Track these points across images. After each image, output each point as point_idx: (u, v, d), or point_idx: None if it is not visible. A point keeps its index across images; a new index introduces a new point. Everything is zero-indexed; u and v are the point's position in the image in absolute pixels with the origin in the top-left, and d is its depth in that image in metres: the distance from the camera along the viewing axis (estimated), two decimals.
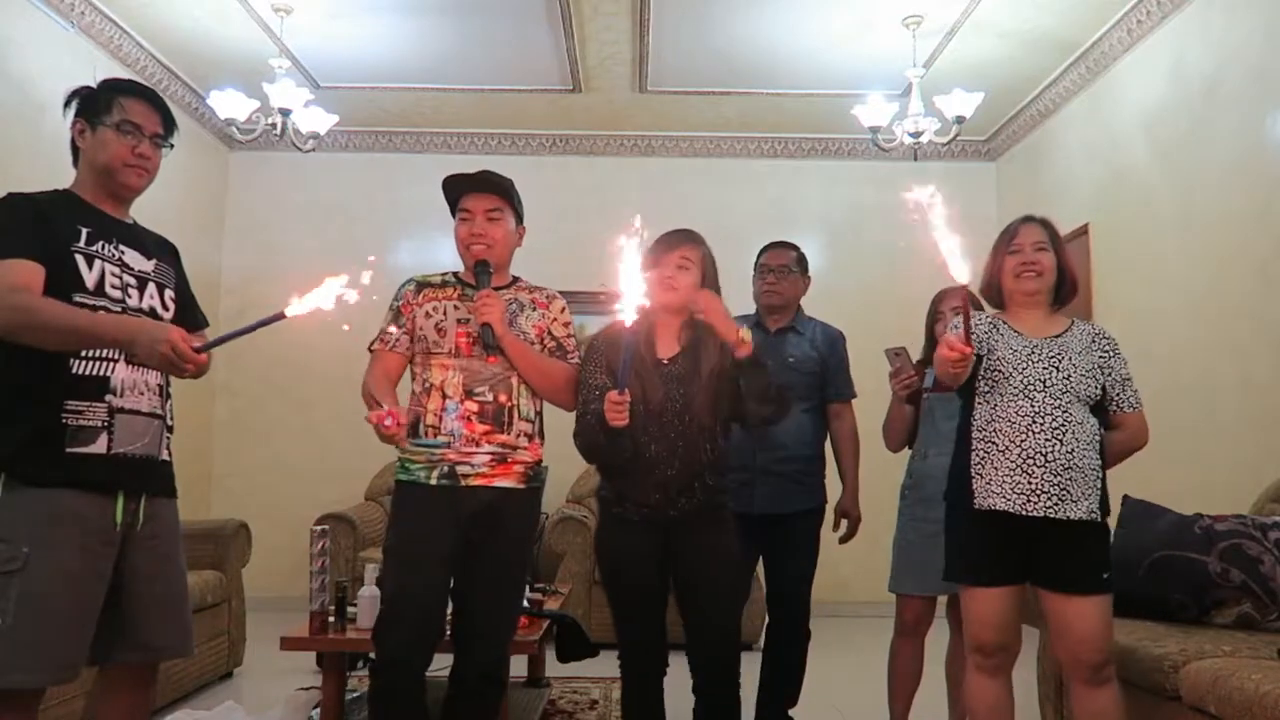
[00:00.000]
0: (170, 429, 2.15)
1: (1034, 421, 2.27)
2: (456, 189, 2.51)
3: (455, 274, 2.56)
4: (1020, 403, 2.29)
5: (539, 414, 2.49)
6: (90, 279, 1.98)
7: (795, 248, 3.30)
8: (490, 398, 2.39)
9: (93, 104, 2.08)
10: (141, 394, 2.03)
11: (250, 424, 6.00)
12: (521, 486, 2.42)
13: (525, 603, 3.24)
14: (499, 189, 2.49)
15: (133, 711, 2.12)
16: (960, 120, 4.60)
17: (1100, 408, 2.36)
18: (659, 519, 2.36)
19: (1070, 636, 2.29)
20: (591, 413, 2.33)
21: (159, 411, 2.08)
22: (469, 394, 2.38)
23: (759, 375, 2.35)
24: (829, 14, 4.64)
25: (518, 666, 3.34)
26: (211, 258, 6.09)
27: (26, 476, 1.91)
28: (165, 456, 2.12)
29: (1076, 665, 2.30)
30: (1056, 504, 2.24)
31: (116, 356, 1.99)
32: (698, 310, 2.40)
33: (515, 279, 2.58)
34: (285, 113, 4.62)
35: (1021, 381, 2.30)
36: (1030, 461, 2.25)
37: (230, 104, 4.64)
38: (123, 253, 2.07)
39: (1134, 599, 2.83)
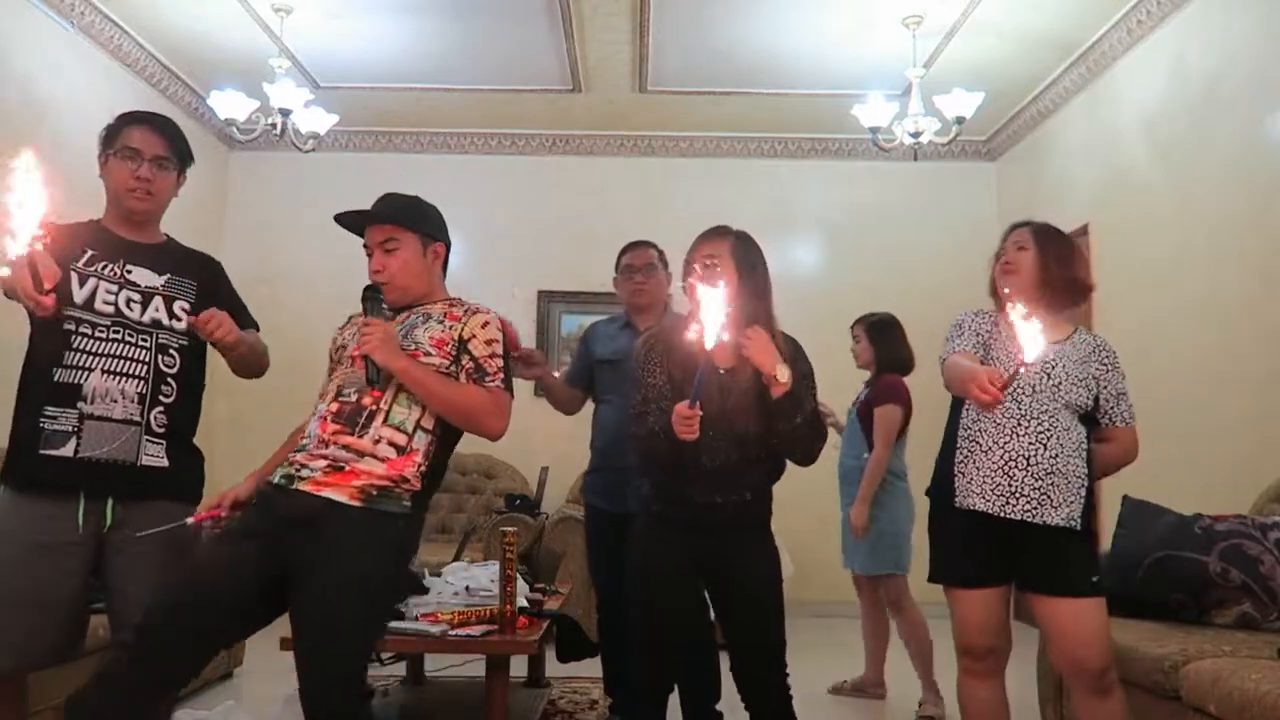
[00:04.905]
0: (161, 435, 2.21)
1: (1019, 424, 2.25)
2: (349, 226, 2.32)
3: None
4: (1008, 405, 2.25)
5: (429, 431, 2.15)
6: (80, 295, 2.15)
7: (654, 245, 3.29)
8: (353, 399, 2.14)
9: (106, 137, 2.26)
10: (115, 401, 2.15)
11: (250, 424, 5.98)
12: (354, 503, 2.04)
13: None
14: (384, 217, 2.27)
15: None
16: (960, 120, 4.60)
17: (1090, 419, 2.35)
18: (703, 524, 2.30)
19: (1067, 641, 2.27)
20: (653, 413, 2.27)
21: (135, 418, 2.17)
22: (337, 396, 2.18)
23: (788, 415, 2.26)
24: (829, 14, 4.64)
25: (518, 666, 3.33)
26: None
27: (7, 478, 2.15)
28: (149, 462, 2.18)
29: (1079, 673, 2.28)
30: (1035, 508, 2.22)
31: (92, 366, 2.13)
32: (743, 345, 2.24)
33: (450, 298, 2.33)
34: (285, 113, 4.61)
35: (998, 373, 2.28)
36: (1012, 464, 2.24)
37: (230, 104, 4.64)
38: (129, 272, 2.22)
39: (1134, 599, 2.83)
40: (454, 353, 2.20)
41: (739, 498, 2.31)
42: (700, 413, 2.11)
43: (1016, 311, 1.96)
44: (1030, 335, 1.88)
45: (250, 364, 2.43)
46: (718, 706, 3.16)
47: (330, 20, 4.77)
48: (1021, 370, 1.99)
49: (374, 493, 2.07)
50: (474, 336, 2.21)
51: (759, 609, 2.34)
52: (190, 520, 2.16)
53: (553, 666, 3.76)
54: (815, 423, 2.35)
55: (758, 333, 2.24)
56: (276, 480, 2.15)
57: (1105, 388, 2.36)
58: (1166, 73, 4.36)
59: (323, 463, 2.09)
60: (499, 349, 2.23)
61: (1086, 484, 2.29)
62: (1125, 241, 4.68)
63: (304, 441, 2.18)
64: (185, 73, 5.36)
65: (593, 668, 3.48)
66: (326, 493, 2.06)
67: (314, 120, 4.83)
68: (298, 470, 2.12)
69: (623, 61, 5.25)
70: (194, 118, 5.69)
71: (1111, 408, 2.37)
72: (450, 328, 2.21)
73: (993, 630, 2.34)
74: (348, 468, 2.08)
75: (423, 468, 2.14)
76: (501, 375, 2.21)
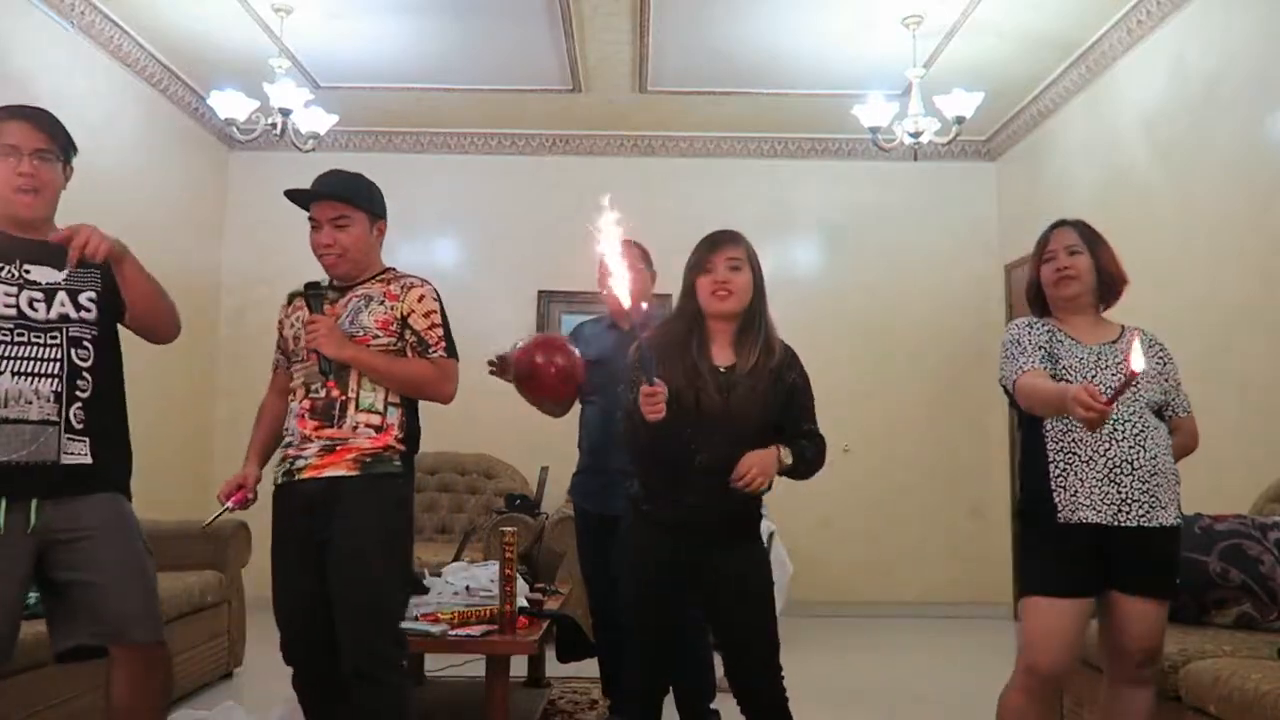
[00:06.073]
0: (81, 431, 2.16)
1: (1115, 429, 2.20)
2: (297, 202, 2.47)
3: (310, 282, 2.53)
4: None
5: (397, 404, 2.40)
6: None
7: (636, 244, 3.21)
8: (323, 394, 2.37)
9: None
10: (29, 403, 2.11)
11: (250, 424, 5.99)
12: (354, 473, 2.32)
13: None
14: (339, 195, 2.45)
15: (122, 688, 2.21)
16: (960, 120, 4.60)
17: (1158, 414, 2.32)
18: (693, 523, 2.28)
19: (1129, 634, 2.25)
20: (636, 411, 2.24)
21: (53, 418, 2.13)
22: (307, 392, 2.40)
23: (794, 475, 2.33)
24: (829, 14, 4.64)
25: (518, 666, 3.33)
26: (211, 258, 6.08)
27: None
28: (71, 460, 2.15)
29: (1126, 661, 2.26)
30: (1148, 512, 2.18)
31: (2, 369, 2.09)
32: (749, 483, 2.19)
33: (385, 269, 2.53)
34: (285, 113, 4.62)
35: (1096, 389, 2.23)
36: (1118, 471, 2.19)
37: (230, 104, 4.64)
38: (28, 271, 2.17)
39: None
40: (398, 330, 2.42)
41: (730, 498, 2.26)
42: (664, 388, 2.11)
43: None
44: (1136, 348, 1.86)
45: (155, 309, 2.31)
46: (713, 705, 3.16)
47: (330, 20, 4.77)
48: (1133, 380, 1.94)
49: (368, 459, 2.34)
50: (413, 311, 2.43)
51: (750, 609, 2.33)
52: (229, 504, 2.40)
53: (553, 666, 3.76)
54: (814, 460, 2.33)
55: (749, 460, 2.19)
56: (279, 480, 2.38)
57: (1167, 380, 2.33)
58: (1166, 73, 4.36)
59: (315, 449, 2.34)
60: (437, 319, 2.46)
61: (1179, 480, 2.27)
62: (1125, 241, 4.66)
63: (288, 438, 2.41)
64: (185, 73, 5.35)
65: (593, 668, 3.49)
66: (328, 472, 2.32)
67: (314, 120, 4.83)
68: (293, 463, 2.36)
69: (623, 61, 5.24)
70: (194, 118, 5.69)
71: (1174, 399, 2.35)
72: (391, 308, 2.43)
73: (1069, 647, 2.24)
74: (338, 447, 2.34)
75: (400, 435, 2.41)
76: (443, 344, 2.45)
